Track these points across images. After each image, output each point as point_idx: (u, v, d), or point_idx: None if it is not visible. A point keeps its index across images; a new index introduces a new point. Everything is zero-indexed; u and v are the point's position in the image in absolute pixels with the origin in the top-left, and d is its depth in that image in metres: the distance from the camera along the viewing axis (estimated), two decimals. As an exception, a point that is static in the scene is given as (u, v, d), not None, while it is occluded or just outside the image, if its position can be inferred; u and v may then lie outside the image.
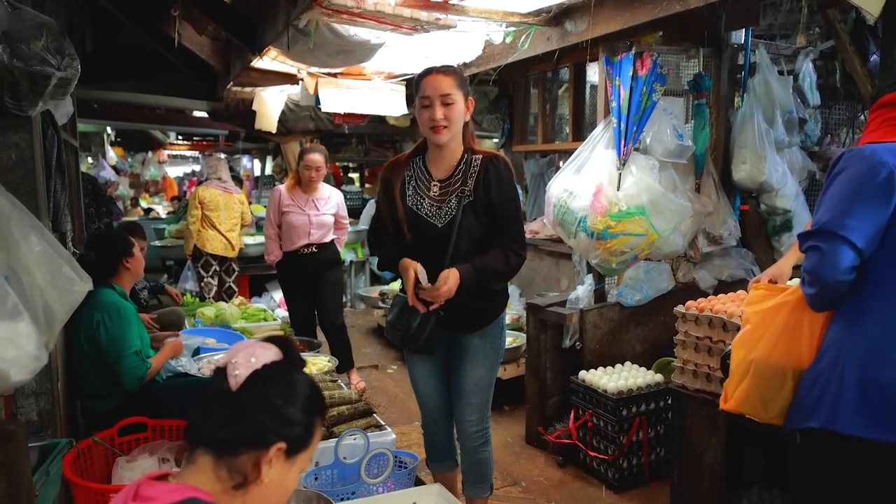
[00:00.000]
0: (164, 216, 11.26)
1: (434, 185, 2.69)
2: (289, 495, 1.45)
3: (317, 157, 4.92)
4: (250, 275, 7.64)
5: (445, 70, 2.62)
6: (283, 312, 6.20)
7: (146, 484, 1.29)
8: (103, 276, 3.32)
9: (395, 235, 2.74)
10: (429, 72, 2.62)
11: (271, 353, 1.39)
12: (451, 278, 2.50)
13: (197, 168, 19.96)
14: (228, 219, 6.40)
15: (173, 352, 3.52)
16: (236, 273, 6.68)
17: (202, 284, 6.38)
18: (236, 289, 6.64)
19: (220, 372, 1.37)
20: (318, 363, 4.06)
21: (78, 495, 2.73)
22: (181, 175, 20.18)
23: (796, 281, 2.30)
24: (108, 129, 12.81)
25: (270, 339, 1.44)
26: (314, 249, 4.96)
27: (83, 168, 8.57)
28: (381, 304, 6.59)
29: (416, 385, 2.95)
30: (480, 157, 2.69)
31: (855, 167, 1.86)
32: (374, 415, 3.35)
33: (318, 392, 1.45)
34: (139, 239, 3.74)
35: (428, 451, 3.06)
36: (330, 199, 5.09)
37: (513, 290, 5.88)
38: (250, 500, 1.36)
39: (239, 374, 1.34)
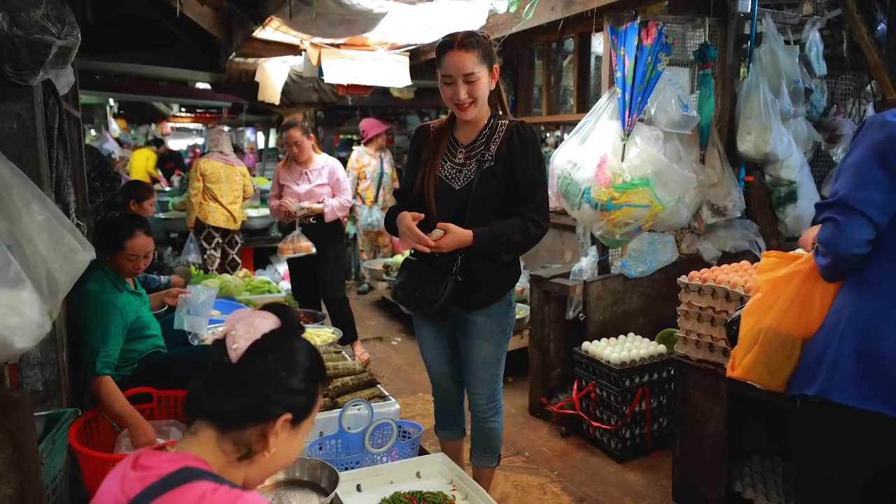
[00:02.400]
0: (167, 189, 11.25)
1: (460, 152, 2.66)
2: (293, 460, 1.46)
3: (293, 133, 4.93)
4: (254, 247, 7.65)
5: (467, 45, 2.47)
6: (287, 285, 6.21)
7: (146, 454, 1.30)
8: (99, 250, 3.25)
9: (416, 201, 2.70)
10: (450, 46, 2.49)
11: (270, 322, 1.37)
12: (451, 230, 2.48)
13: (200, 141, 19.92)
14: (230, 191, 6.37)
15: (141, 434, 2.84)
16: (239, 245, 6.67)
17: (205, 257, 6.39)
18: (240, 261, 6.65)
19: (219, 344, 1.35)
20: (322, 335, 4.08)
21: (84, 464, 2.76)
22: (185, 148, 20.12)
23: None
24: (111, 102, 12.77)
25: (268, 307, 1.42)
26: (312, 221, 4.95)
27: (87, 140, 8.56)
28: (385, 276, 6.59)
29: (424, 355, 2.96)
30: (506, 122, 2.64)
31: (875, 135, 1.82)
32: (378, 385, 3.36)
33: (318, 357, 1.44)
34: (133, 248, 3.22)
35: (437, 417, 3.08)
36: (323, 170, 5.06)
37: (516, 263, 5.87)
38: (255, 469, 1.37)
39: (238, 346, 1.32)
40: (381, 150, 7.42)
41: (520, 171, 2.59)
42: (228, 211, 6.36)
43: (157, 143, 14.31)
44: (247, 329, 1.34)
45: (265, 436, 1.32)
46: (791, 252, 2.35)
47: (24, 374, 2.70)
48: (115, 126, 13.50)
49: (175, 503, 1.19)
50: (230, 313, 1.43)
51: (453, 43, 2.49)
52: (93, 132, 13.04)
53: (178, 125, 18.04)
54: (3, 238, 1.74)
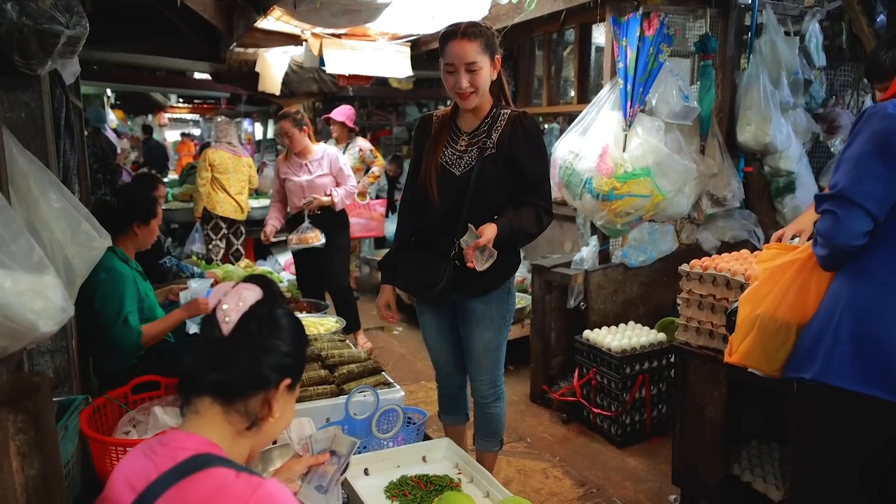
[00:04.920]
0: (166, 179, 11.24)
1: (462, 139, 2.70)
2: (290, 421, 1.52)
3: (284, 124, 4.94)
4: (255, 238, 7.67)
5: (470, 35, 2.50)
6: (288, 275, 6.25)
7: (161, 437, 1.33)
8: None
9: (422, 194, 2.74)
10: (453, 35, 2.52)
11: (255, 293, 1.40)
12: (484, 231, 2.50)
13: (197, 132, 19.85)
14: (237, 182, 6.43)
15: (195, 311, 3.21)
16: (244, 236, 6.71)
17: (210, 247, 6.41)
18: (244, 251, 6.69)
19: (210, 319, 1.38)
20: (325, 324, 4.10)
21: (94, 449, 2.79)
22: (178, 137, 19.98)
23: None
24: (108, 92, 12.71)
25: (250, 279, 1.45)
26: (317, 212, 4.98)
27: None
28: (378, 262, 6.60)
29: (427, 342, 3.01)
30: (508, 112, 2.67)
31: (875, 126, 1.84)
32: (383, 373, 3.39)
33: (298, 321, 1.48)
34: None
35: (441, 403, 3.13)
36: (322, 160, 5.06)
37: (516, 253, 5.91)
38: (261, 435, 1.41)
39: (230, 319, 1.35)
40: (346, 141, 6.81)
41: (527, 162, 2.62)
42: (236, 201, 6.42)
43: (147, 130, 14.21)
44: (236, 301, 1.37)
45: (269, 402, 1.37)
46: (790, 243, 2.40)
47: (35, 362, 2.73)
48: (113, 117, 13.44)
49: (192, 490, 1.21)
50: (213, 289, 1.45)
51: (456, 32, 2.52)
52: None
53: (175, 115, 17.98)
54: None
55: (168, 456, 1.26)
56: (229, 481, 1.21)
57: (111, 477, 1.32)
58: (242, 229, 6.67)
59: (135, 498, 1.23)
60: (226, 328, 1.34)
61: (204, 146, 8.37)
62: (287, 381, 1.39)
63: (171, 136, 19.35)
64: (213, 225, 6.38)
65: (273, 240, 5.29)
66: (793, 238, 2.54)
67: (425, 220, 2.78)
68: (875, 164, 1.82)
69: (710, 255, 3.25)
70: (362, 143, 6.94)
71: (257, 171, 8.58)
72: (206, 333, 1.38)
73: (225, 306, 1.37)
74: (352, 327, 5.05)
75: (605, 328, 4.00)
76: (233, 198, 6.39)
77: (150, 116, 16.53)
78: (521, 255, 5.89)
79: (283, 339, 1.40)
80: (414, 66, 6.01)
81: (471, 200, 2.62)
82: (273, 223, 5.21)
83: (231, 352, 1.35)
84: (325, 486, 1.75)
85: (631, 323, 4.08)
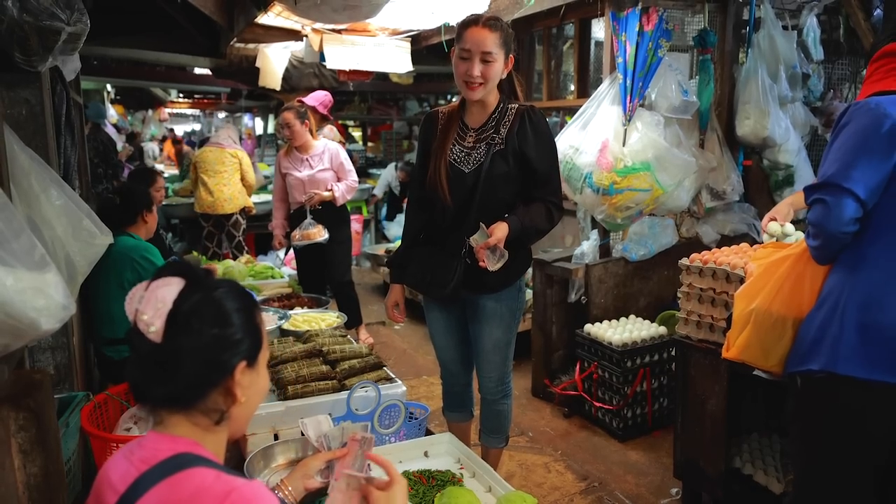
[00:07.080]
0: (167, 175, 11.23)
1: (469, 135, 2.67)
2: (266, 392, 1.39)
3: (287, 115, 4.89)
4: (255, 233, 7.65)
5: (491, 25, 2.49)
6: (289, 270, 6.24)
7: (142, 440, 1.28)
8: (122, 226, 3.41)
9: (431, 193, 2.71)
10: (474, 22, 2.51)
11: (174, 287, 1.23)
12: (495, 231, 2.48)
13: (197, 127, 19.83)
14: (216, 173, 6.20)
15: None
16: (237, 239, 6.49)
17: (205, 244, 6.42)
18: (234, 253, 6.50)
19: (135, 332, 1.21)
20: (327, 319, 4.11)
21: (95, 445, 2.80)
22: (181, 135, 19.96)
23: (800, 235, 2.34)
24: (108, 87, 12.70)
25: (164, 271, 1.27)
26: (319, 207, 4.97)
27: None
28: (387, 261, 6.61)
29: (433, 339, 2.99)
30: (516, 107, 2.65)
31: (860, 120, 1.88)
32: (385, 368, 3.40)
33: (242, 292, 1.33)
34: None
35: (445, 399, 3.12)
36: (323, 155, 5.02)
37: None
38: (234, 421, 1.33)
39: (155, 326, 1.19)
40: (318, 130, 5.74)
41: (536, 157, 2.60)
42: (213, 194, 6.23)
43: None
44: (154, 305, 1.20)
45: (230, 391, 1.26)
46: (778, 220, 2.42)
47: (36, 359, 2.74)
48: (113, 112, 13.42)
49: (173, 491, 1.17)
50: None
51: (478, 20, 2.52)
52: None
53: (175, 111, 17.97)
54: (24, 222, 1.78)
55: (146, 457, 1.22)
56: (207, 483, 1.17)
57: (96, 480, 1.28)
58: (234, 231, 6.45)
59: (117, 500, 1.19)
60: (154, 336, 1.19)
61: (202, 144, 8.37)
62: (241, 365, 1.26)
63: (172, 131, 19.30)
64: (198, 224, 6.38)
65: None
66: (787, 237, 2.55)
67: (435, 219, 2.76)
68: (860, 154, 1.85)
69: (710, 249, 3.26)
70: (327, 132, 6.52)
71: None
72: (137, 346, 1.22)
73: (144, 316, 1.20)
74: (353, 322, 5.05)
75: (605, 322, 4.01)
76: (210, 191, 6.17)
77: (150, 111, 16.52)
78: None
79: (227, 324, 1.25)
80: (414, 61, 6.01)
81: (481, 198, 2.59)
82: (279, 233, 5.20)
83: (169, 358, 1.20)
84: (356, 473, 1.73)
85: (632, 317, 4.08)
